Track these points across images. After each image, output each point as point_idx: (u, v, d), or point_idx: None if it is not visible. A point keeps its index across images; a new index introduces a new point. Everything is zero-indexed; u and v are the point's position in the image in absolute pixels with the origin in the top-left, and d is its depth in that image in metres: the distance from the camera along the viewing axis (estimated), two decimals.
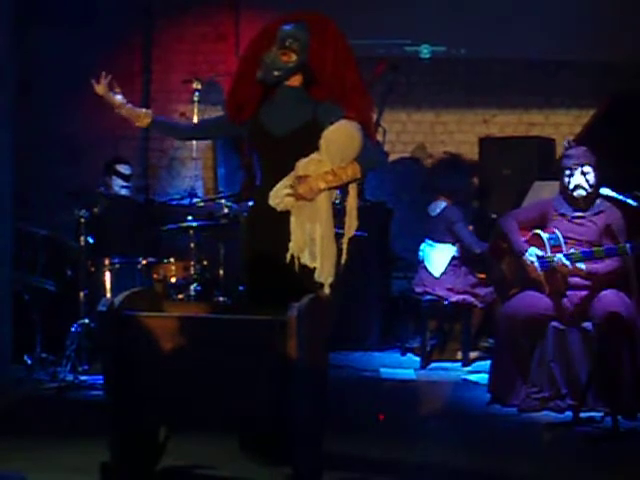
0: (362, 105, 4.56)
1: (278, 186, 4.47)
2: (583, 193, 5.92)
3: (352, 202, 4.62)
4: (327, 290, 4.46)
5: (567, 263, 5.77)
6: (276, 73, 4.53)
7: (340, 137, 4.42)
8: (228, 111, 4.69)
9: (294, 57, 4.52)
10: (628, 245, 5.67)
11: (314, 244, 4.47)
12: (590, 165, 5.89)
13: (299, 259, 4.47)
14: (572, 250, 5.82)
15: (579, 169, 5.91)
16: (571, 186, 5.93)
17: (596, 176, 5.91)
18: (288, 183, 4.45)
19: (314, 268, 4.47)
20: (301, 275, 4.46)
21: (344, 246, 4.57)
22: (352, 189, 4.62)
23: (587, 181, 5.91)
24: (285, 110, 4.55)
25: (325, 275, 4.47)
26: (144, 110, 4.78)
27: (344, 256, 4.57)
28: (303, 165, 4.44)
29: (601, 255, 5.75)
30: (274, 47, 4.53)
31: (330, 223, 4.51)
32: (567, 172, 5.95)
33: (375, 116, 7.92)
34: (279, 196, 4.47)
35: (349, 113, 4.48)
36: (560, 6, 8.44)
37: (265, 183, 4.57)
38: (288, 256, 4.47)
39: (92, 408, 5.66)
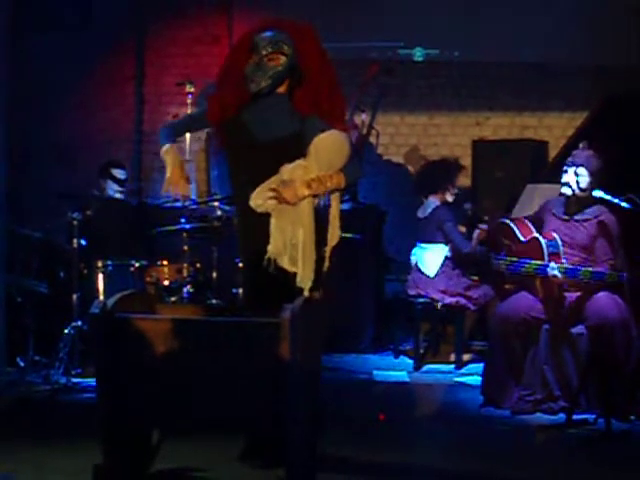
0: (341, 110, 4.59)
1: (260, 188, 4.47)
2: (569, 192, 5.93)
3: (334, 212, 4.63)
4: (307, 294, 4.46)
5: (558, 274, 5.76)
6: (269, 81, 4.52)
7: (330, 144, 4.44)
8: (210, 111, 4.65)
9: (283, 59, 4.52)
10: (624, 275, 5.67)
11: (295, 249, 4.47)
12: (586, 169, 5.89)
13: (275, 262, 4.48)
14: (564, 261, 5.81)
15: (573, 168, 5.92)
16: (562, 182, 5.95)
17: (590, 183, 5.89)
18: (271, 186, 4.45)
19: (293, 272, 4.47)
20: (278, 278, 4.46)
21: (327, 254, 4.57)
22: (334, 199, 4.63)
23: (577, 182, 5.91)
24: (272, 117, 4.55)
25: (305, 280, 4.48)
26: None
27: (326, 264, 4.57)
28: (289, 170, 4.45)
29: (587, 277, 5.74)
30: (257, 56, 4.51)
31: (312, 229, 4.51)
32: (564, 168, 5.97)
33: (367, 120, 7.99)
34: (261, 198, 4.47)
35: (335, 126, 4.50)
36: (554, 9, 8.46)
37: (243, 186, 4.54)
38: (265, 259, 4.48)
39: (85, 411, 5.66)
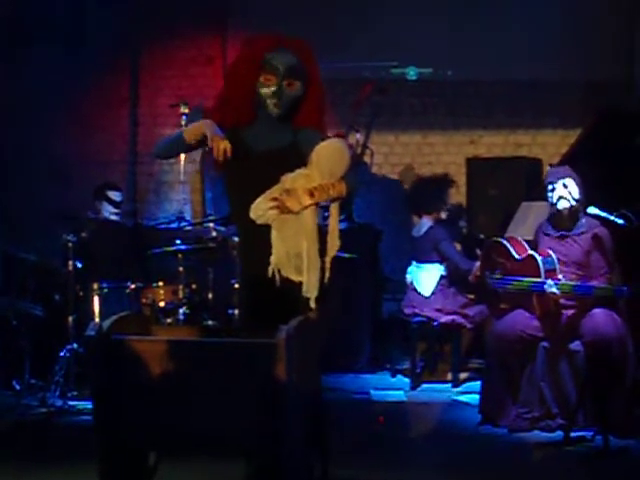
0: (325, 123, 4.63)
1: (260, 199, 4.46)
2: (566, 204, 5.94)
3: (333, 222, 4.61)
4: (313, 304, 4.45)
5: (556, 291, 5.76)
6: (287, 105, 4.52)
7: (331, 152, 4.42)
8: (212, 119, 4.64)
9: (298, 85, 4.53)
10: (624, 289, 5.62)
11: (299, 258, 4.46)
12: (572, 179, 5.93)
13: (280, 272, 4.47)
14: (561, 278, 5.80)
15: (560, 182, 5.95)
16: (554, 199, 5.96)
17: (580, 192, 5.93)
18: (273, 195, 4.44)
19: (299, 282, 4.46)
20: (283, 289, 4.45)
21: (327, 265, 4.56)
22: (333, 209, 4.62)
23: (569, 193, 5.93)
24: (267, 130, 4.56)
25: (312, 289, 4.47)
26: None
27: (327, 275, 4.56)
28: (291, 179, 4.43)
29: (602, 293, 5.73)
30: (275, 78, 4.51)
31: (316, 238, 4.50)
32: (549, 187, 5.99)
33: (361, 139, 8.02)
34: (261, 209, 4.45)
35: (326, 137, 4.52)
36: (545, 27, 8.49)
37: (241, 199, 4.54)
38: (269, 270, 4.47)
39: (81, 433, 5.64)
